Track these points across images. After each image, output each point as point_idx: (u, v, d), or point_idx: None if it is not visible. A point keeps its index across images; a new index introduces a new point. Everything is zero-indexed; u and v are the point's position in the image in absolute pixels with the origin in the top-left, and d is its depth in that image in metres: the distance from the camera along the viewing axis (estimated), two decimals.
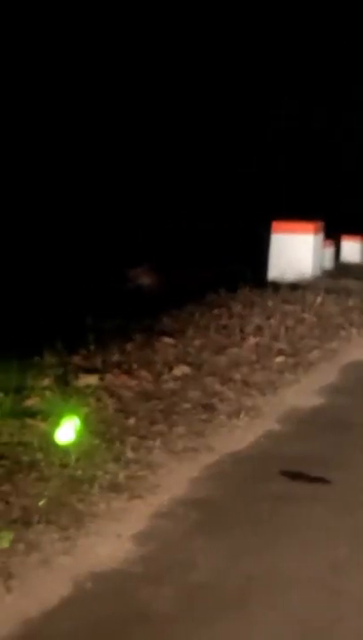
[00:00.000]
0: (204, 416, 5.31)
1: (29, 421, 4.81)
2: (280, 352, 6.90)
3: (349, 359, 7.21)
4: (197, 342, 6.84)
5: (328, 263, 11.49)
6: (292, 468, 4.61)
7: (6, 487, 4.03)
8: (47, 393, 5.27)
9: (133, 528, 3.82)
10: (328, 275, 10.84)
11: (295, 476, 4.53)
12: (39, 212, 12.15)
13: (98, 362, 6.02)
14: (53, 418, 4.80)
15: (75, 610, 3.18)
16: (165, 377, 5.93)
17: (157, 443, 4.78)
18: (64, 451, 4.45)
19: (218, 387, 5.87)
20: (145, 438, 4.82)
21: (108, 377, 5.72)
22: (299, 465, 4.66)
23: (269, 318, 7.79)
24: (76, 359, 6.07)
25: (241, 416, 5.37)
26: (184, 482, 4.37)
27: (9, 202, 12.38)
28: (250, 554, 3.66)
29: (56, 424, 4.68)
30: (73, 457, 4.38)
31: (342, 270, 12.10)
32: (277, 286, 9.32)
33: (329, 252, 11.70)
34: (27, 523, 3.71)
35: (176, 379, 5.93)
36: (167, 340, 6.78)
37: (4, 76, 13.98)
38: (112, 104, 15.29)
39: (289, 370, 6.50)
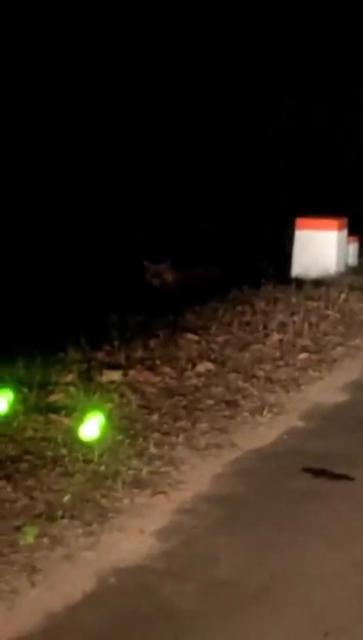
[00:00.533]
0: (227, 412, 5.31)
1: (53, 417, 4.83)
2: (304, 349, 6.89)
3: None
4: (220, 339, 6.84)
5: (352, 259, 11.44)
6: (315, 465, 4.60)
7: (31, 482, 4.06)
8: (71, 389, 5.29)
9: (156, 524, 3.83)
10: (352, 271, 10.80)
11: (318, 472, 4.52)
12: (52, 210, 12.18)
13: (121, 358, 6.04)
14: (77, 413, 4.82)
15: (98, 605, 3.20)
16: (189, 373, 5.93)
17: (181, 439, 4.79)
18: (88, 446, 4.47)
19: (241, 383, 5.87)
20: (168, 434, 4.83)
21: (132, 373, 5.74)
22: (322, 462, 4.65)
23: (292, 315, 7.77)
24: (100, 355, 6.09)
25: (264, 413, 5.36)
26: (207, 478, 4.37)
27: (22, 199, 12.43)
28: (273, 550, 3.67)
29: (80, 420, 4.71)
30: (96, 452, 4.40)
31: None
32: (300, 283, 9.29)
33: (353, 248, 11.65)
34: (51, 518, 3.74)
35: (199, 375, 5.93)
36: (191, 336, 6.78)
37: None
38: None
39: (313, 366, 6.49)
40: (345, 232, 10.87)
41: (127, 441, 4.63)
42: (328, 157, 15.68)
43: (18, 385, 5.20)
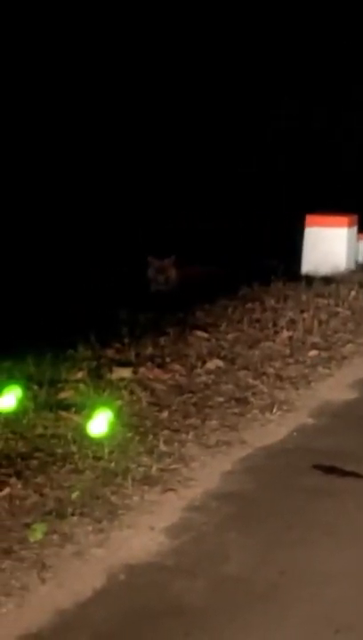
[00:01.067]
0: (237, 410, 5.31)
1: (63, 414, 4.84)
2: (314, 346, 6.88)
3: None
4: (230, 336, 6.83)
5: (362, 257, 11.41)
6: (325, 463, 4.60)
7: (41, 479, 4.07)
8: (81, 386, 5.30)
9: (165, 521, 3.84)
10: (362, 268, 10.78)
11: (328, 470, 4.52)
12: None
13: (131, 355, 6.04)
14: (87, 411, 4.83)
15: (108, 601, 3.21)
16: (199, 370, 5.94)
17: (190, 436, 4.79)
18: (98, 443, 4.47)
19: (251, 380, 5.87)
20: (178, 432, 4.84)
21: (142, 370, 5.74)
22: (332, 459, 4.65)
23: (302, 312, 7.76)
24: (110, 352, 6.09)
25: (274, 410, 5.36)
26: (217, 475, 4.38)
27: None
28: (282, 548, 3.67)
29: (90, 417, 4.72)
30: (106, 450, 4.40)
31: None
32: (310, 280, 9.27)
33: None
34: (61, 515, 3.75)
35: (209, 372, 5.93)
36: (201, 333, 6.78)
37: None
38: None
39: (323, 364, 6.48)
40: (355, 229, 10.84)
41: (137, 438, 4.63)
42: (328, 157, 15.64)
43: (28, 382, 5.21)
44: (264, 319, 7.41)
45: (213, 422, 5.05)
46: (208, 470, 4.42)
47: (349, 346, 7.05)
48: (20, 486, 3.98)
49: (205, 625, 3.08)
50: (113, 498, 3.96)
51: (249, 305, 7.86)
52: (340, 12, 16.02)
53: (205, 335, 6.76)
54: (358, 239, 11.13)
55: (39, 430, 4.63)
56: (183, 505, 4.01)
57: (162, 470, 4.31)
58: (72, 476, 4.12)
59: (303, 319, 7.52)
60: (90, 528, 3.68)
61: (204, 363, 6.07)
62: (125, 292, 8.42)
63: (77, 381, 5.39)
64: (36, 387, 5.17)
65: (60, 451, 4.39)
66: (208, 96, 16.08)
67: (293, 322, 7.41)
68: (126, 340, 6.31)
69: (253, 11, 16.16)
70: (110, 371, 5.65)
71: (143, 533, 3.71)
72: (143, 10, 15.69)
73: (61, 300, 7.89)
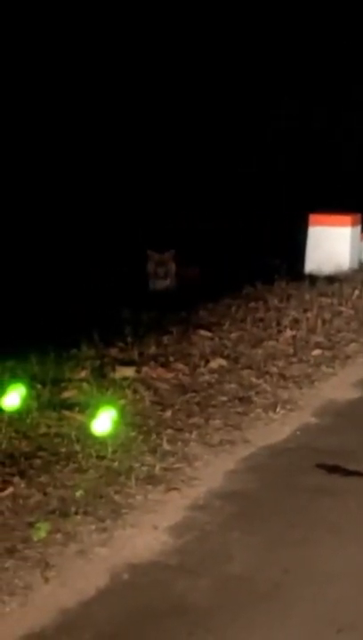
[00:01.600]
0: (240, 409, 5.31)
1: (67, 413, 4.85)
2: (317, 345, 6.87)
3: None
4: (233, 335, 6.83)
5: None
6: (328, 462, 4.60)
7: (44, 478, 4.07)
8: (84, 385, 5.30)
9: (169, 520, 3.84)
10: None
11: (331, 469, 4.52)
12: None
13: (134, 354, 6.05)
14: (90, 410, 4.83)
15: (111, 601, 3.21)
16: (202, 370, 5.94)
17: (194, 435, 4.80)
18: (101, 442, 4.48)
19: (254, 380, 5.87)
20: (181, 431, 4.84)
21: (145, 369, 5.74)
22: (335, 458, 4.65)
23: (305, 311, 7.76)
24: (113, 351, 6.10)
25: (277, 409, 5.36)
26: (220, 474, 4.38)
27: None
28: (286, 547, 3.67)
29: (93, 416, 4.72)
30: (110, 449, 4.41)
31: None
32: (313, 279, 9.27)
33: None
34: (64, 514, 3.75)
35: (213, 371, 5.93)
36: (204, 332, 6.78)
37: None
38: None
39: (326, 363, 6.48)
40: (359, 228, 10.83)
41: (140, 437, 4.64)
42: (328, 157, 15.63)
43: (31, 381, 5.22)
44: (268, 318, 7.41)
45: (217, 421, 5.05)
46: (212, 469, 4.42)
47: (352, 345, 7.04)
48: (23, 485, 3.99)
49: (208, 624, 3.08)
50: (116, 497, 3.96)
51: (252, 304, 7.85)
52: (340, 12, 16.00)
53: (209, 334, 6.76)
54: (362, 238, 11.12)
55: (43, 429, 4.64)
56: (187, 504, 4.01)
57: (165, 469, 4.31)
58: (75, 475, 4.13)
59: (307, 318, 7.51)
60: (93, 527, 3.68)
61: (207, 362, 6.07)
62: (126, 292, 8.43)
63: (81, 380, 5.40)
64: (39, 386, 5.18)
65: (63, 450, 4.39)
66: (208, 96, 16.08)
67: (296, 321, 7.41)
68: (130, 340, 6.31)
69: (253, 11, 16.15)
70: (114, 370, 5.65)
71: (147, 532, 3.72)
72: (143, 10, 15.68)
73: (63, 300, 7.90)
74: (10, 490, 3.94)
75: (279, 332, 7.09)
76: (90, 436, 4.56)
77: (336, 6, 15.79)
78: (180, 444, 4.65)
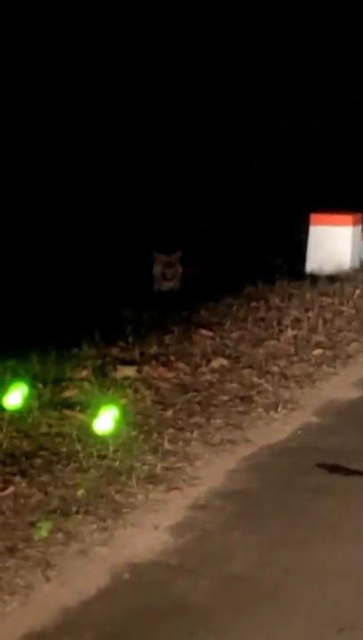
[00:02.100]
0: (241, 408, 5.31)
1: (68, 412, 4.85)
2: (318, 345, 6.88)
3: None
4: (234, 335, 6.84)
5: None
6: (329, 461, 4.60)
7: (45, 478, 4.07)
8: (85, 384, 5.31)
9: (170, 519, 3.84)
10: None
11: (332, 468, 4.52)
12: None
13: (136, 354, 6.05)
14: (92, 409, 4.84)
15: (112, 600, 3.21)
16: (203, 369, 5.94)
17: (195, 435, 4.80)
18: (102, 442, 4.48)
19: (256, 379, 5.87)
20: (182, 430, 4.84)
21: (146, 369, 5.74)
22: (336, 458, 4.65)
23: (307, 311, 7.76)
24: (114, 351, 6.10)
25: (279, 408, 5.36)
26: (221, 474, 4.38)
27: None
28: (286, 546, 3.67)
29: (94, 415, 4.72)
30: (111, 448, 4.41)
31: None
32: (315, 279, 9.27)
33: None
34: (65, 513, 3.75)
35: (214, 371, 5.93)
36: (205, 332, 6.78)
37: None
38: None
39: (327, 362, 6.48)
40: (360, 228, 10.83)
41: (141, 437, 4.64)
42: (328, 157, 15.63)
43: (33, 380, 5.22)
44: (269, 318, 7.41)
45: (218, 421, 5.06)
46: (213, 469, 4.42)
47: (353, 344, 7.05)
48: (24, 485, 3.99)
49: (209, 624, 3.08)
50: (117, 496, 3.96)
51: (254, 304, 7.86)
52: (340, 12, 15.99)
53: (210, 334, 6.76)
54: None
55: (44, 429, 4.64)
56: (188, 504, 4.01)
57: (166, 469, 4.31)
58: (76, 474, 4.13)
59: (308, 318, 7.52)
60: (94, 527, 3.69)
61: (208, 361, 6.07)
62: (127, 292, 8.42)
63: (82, 380, 5.40)
64: (40, 385, 5.18)
65: (64, 449, 4.39)
66: (208, 96, 16.08)
67: (297, 320, 7.41)
68: (131, 339, 6.32)
69: (253, 11, 16.14)
70: (115, 369, 5.65)
71: (147, 532, 3.72)
72: (143, 10, 15.68)
73: (64, 300, 7.90)
74: (11, 489, 3.94)
75: (280, 331, 7.10)
76: (91, 435, 4.56)
77: (336, 6, 15.78)
78: (181, 443, 4.66)
